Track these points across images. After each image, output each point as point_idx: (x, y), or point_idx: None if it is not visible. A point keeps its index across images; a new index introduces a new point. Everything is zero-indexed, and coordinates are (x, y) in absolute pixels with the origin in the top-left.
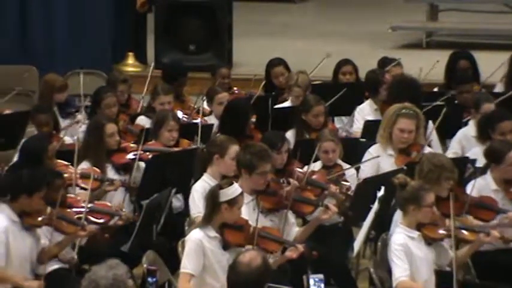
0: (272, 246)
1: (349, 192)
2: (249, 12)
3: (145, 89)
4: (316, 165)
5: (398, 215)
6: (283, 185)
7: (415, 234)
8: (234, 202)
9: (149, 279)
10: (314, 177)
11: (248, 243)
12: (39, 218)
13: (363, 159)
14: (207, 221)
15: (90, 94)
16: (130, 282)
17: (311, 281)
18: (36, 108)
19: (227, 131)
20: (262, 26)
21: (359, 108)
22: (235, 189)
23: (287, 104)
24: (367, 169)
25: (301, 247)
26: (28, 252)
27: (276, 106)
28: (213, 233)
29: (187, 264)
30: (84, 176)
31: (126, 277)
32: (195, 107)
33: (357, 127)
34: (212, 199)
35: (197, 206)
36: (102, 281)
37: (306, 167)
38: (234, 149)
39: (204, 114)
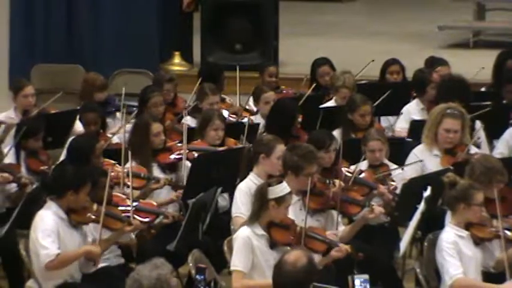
0: (318, 246)
1: (395, 192)
2: (295, 11)
3: (194, 89)
4: (363, 165)
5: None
6: (330, 185)
7: (464, 233)
8: (282, 200)
9: (197, 276)
10: (361, 176)
11: (295, 242)
12: (86, 215)
13: (407, 161)
14: (254, 218)
15: (137, 94)
16: (174, 281)
17: (356, 282)
18: (84, 107)
19: (273, 130)
20: (308, 26)
21: (406, 107)
22: (284, 187)
23: (331, 103)
24: (412, 170)
25: (347, 247)
26: (76, 249)
27: (321, 106)
28: (260, 231)
29: (238, 262)
30: (131, 175)
31: (170, 277)
32: (238, 106)
33: (400, 126)
34: (260, 196)
35: (238, 206)
36: (146, 280)
37: (352, 167)
38: (280, 148)
39: (250, 114)
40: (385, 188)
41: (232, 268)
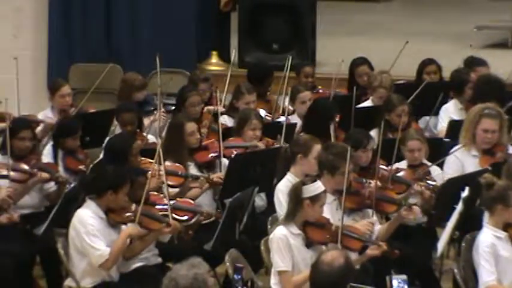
0: (354, 244)
1: (433, 189)
2: (332, 11)
3: (226, 88)
4: (402, 165)
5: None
6: (366, 185)
7: (502, 234)
8: (317, 199)
9: (235, 276)
10: (399, 175)
11: (330, 240)
12: (125, 215)
13: (446, 161)
14: (290, 217)
15: (174, 93)
16: (211, 281)
17: (394, 282)
18: (121, 106)
19: (310, 130)
20: (345, 25)
21: (444, 107)
22: (318, 186)
23: (368, 103)
24: (451, 171)
25: (383, 245)
26: (116, 240)
27: (358, 106)
28: (296, 230)
29: (281, 262)
30: (168, 174)
31: (207, 276)
32: (276, 106)
33: (442, 126)
34: (295, 195)
35: (284, 207)
36: (182, 280)
37: (390, 167)
38: (317, 148)
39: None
40: (421, 186)
41: (278, 269)
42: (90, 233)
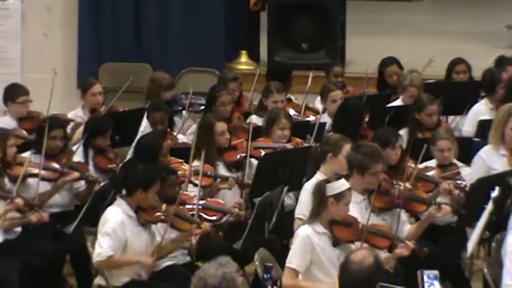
0: (382, 242)
1: (462, 188)
2: (362, 10)
3: (253, 87)
4: (431, 164)
5: None
6: (395, 185)
7: None
8: (341, 197)
9: (264, 275)
10: (428, 174)
11: (358, 239)
12: (155, 214)
13: (473, 161)
14: (314, 216)
15: (203, 92)
16: (240, 280)
17: (425, 277)
18: (152, 106)
19: (341, 130)
20: (375, 25)
21: (474, 108)
22: (342, 184)
23: (397, 102)
24: (478, 171)
25: (411, 243)
26: (144, 247)
27: (388, 105)
28: (321, 228)
29: (293, 259)
30: (198, 173)
31: (236, 275)
32: (311, 105)
33: (467, 130)
34: (318, 193)
35: (301, 208)
36: (211, 279)
37: (420, 166)
38: (347, 147)
39: (316, 113)
40: (449, 184)
41: (287, 264)
42: (107, 231)
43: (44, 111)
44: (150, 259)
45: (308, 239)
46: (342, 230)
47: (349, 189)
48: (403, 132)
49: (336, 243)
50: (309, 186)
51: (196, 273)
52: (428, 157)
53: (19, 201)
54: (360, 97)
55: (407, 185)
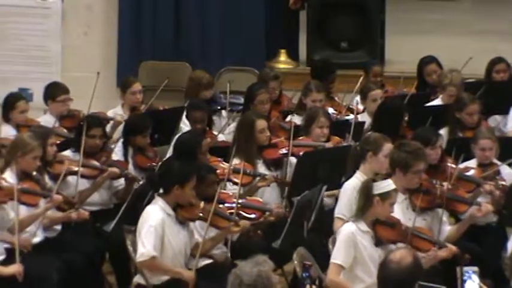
0: (424, 245)
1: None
2: (402, 9)
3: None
4: (471, 163)
5: None
6: (436, 185)
7: None
8: (387, 196)
9: (303, 274)
10: (469, 173)
11: (400, 240)
12: (194, 212)
13: None
14: (359, 214)
15: (243, 91)
16: (275, 278)
17: (464, 272)
18: (192, 104)
19: (380, 129)
20: (415, 24)
21: None
22: (388, 183)
23: (437, 102)
24: None
25: (454, 248)
26: (182, 245)
27: (427, 104)
28: (365, 227)
29: (338, 255)
30: (237, 171)
31: (271, 274)
32: (344, 104)
33: (511, 127)
34: (365, 191)
35: (341, 208)
36: (246, 277)
37: (461, 165)
38: (387, 146)
39: (356, 112)
40: (490, 185)
41: (333, 260)
42: (149, 230)
43: (84, 110)
44: (192, 274)
45: (352, 236)
46: (385, 230)
47: (395, 189)
48: (443, 131)
49: (378, 242)
50: (348, 186)
51: (233, 271)
52: (468, 157)
53: (59, 198)
54: (399, 96)
55: (447, 185)
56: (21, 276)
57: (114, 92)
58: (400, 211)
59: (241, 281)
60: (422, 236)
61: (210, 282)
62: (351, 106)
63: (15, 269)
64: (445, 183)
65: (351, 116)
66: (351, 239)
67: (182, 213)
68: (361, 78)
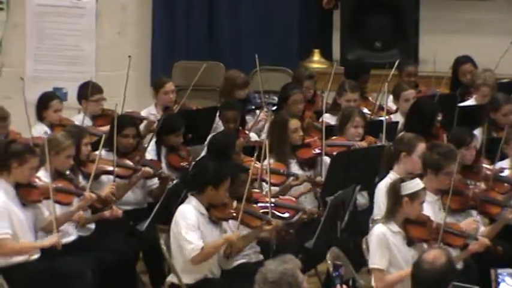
0: (456, 241)
1: None
2: (436, 8)
3: (329, 86)
4: (505, 164)
5: None
6: (470, 186)
7: None
8: (416, 196)
9: (334, 273)
10: (503, 174)
11: (432, 238)
12: (226, 211)
13: None
14: (389, 215)
15: (276, 91)
16: (301, 276)
17: (498, 274)
18: (225, 104)
19: (413, 129)
20: (450, 23)
21: None
22: (417, 183)
23: (470, 102)
24: None
25: (486, 240)
26: (215, 239)
27: (461, 104)
28: (396, 228)
29: (376, 260)
30: (270, 171)
31: (297, 271)
32: (378, 104)
33: None
34: (393, 192)
35: (380, 208)
36: (270, 274)
37: (493, 166)
38: (421, 147)
39: (389, 112)
40: None
41: (371, 266)
42: (188, 227)
43: (118, 109)
44: (235, 234)
45: (383, 237)
46: (416, 229)
47: (423, 188)
48: (477, 132)
49: (410, 242)
50: (382, 186)
51: (260, 269)
52: (502, 157)
53: (92, 196)
54: (432, 96)
55: (482, 185)
56: (59, 245)
57: (148, 91)
58: (432, 211)
59: (266, 279)
60: (454, 231)
61: (243, 282)
62: (383, 106)
63: (53, 239)
64: (479, 184)
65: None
66: (382, 241)
67: (215, 213)
68: (389, 78)
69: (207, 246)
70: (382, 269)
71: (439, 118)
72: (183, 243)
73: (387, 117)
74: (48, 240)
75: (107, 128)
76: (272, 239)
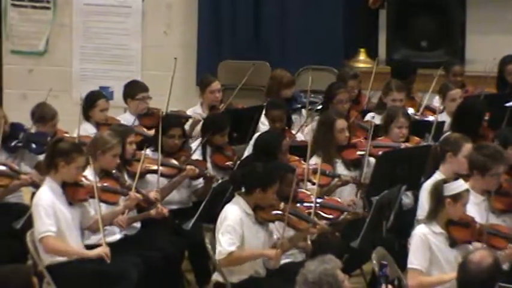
0: (500, 243)
1: None
2: (483, 8)
3: (370, 85)
4: None
5: None
6: None
7: None
8: (459, 197)
9: (379, 273)
10: None
11: (475, 239)
12: (272, 213)
13: None
14: (432, 216)
15: (322, 90)
16: (341, 276)
17: None
18: (271, 103)
19: (459, 129)
20: (497, 23)
21: None
22: (460, 184)
23: None
24: None
25: None
26: (261, 246)
27: (508, 104)
28: (438, 229)
29: (414, 259)
30: (316, 171)
31: (337, 271)
32: (423, 104)
33: None
34: (436, 193)
35: (424, 208)
36: (310, 274)
37: None
38: (467, 147)
39: (434, 112)
40: None
41: (409, 266)
42: (227, 229)
43: (164, 108)
44: (275, 251)
45: (425, 238)
46: (459, 230)
47: (467, 190)
48: None
49: (453, 243)
50: (428, 186)
51: (301, 269)
52: None
53: (137, 196)
54: (478, 96)
55: None
56: (108, 257)
57: (194, 90)
58: (478, 212)
59: (306, 279)
60: (499, 233)
61: (288, 282)
62: (430, 106)
63: (101, 250)
64: None
65: (431, 117)
66: (424, 242)
67: (261, 214)
68: (436, 78)
69: (238, 253)
70: (419, 269)
71: (486, 118)
72: (216, 243)
73: (435, 117)
74: (97, 251)
75: (152, 127)
76: (308, 249)
